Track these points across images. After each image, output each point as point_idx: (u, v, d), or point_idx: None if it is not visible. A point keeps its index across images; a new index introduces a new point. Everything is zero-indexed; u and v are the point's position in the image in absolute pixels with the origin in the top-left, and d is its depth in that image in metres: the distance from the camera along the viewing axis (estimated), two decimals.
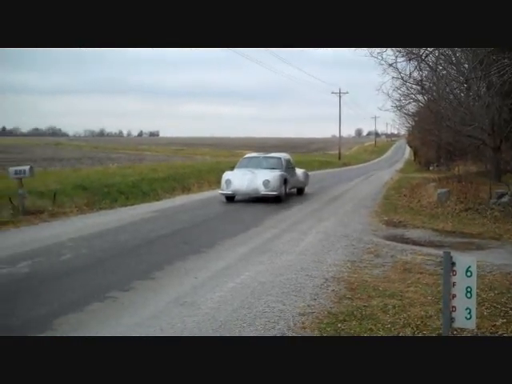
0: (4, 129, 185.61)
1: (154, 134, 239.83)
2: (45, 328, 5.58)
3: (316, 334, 5.44)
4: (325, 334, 5.41)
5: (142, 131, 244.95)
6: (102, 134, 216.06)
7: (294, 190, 20.07)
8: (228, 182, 17.23)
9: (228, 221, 13.51)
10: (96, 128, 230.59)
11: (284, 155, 19.80)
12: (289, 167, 18.84)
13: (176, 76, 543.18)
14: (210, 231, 11.84)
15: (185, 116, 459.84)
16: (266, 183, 16.88)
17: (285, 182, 17.67)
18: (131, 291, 6.97)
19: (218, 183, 19.52)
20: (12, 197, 13.55)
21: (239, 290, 6.98)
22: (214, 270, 8.07)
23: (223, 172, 28.15)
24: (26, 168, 13.88)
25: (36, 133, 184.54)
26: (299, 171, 20.59)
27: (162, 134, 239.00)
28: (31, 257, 8.88)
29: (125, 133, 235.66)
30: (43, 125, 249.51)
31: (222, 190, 17.45)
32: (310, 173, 23.08)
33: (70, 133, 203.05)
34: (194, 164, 33.18)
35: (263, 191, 16.94)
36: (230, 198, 17.44)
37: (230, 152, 62.92)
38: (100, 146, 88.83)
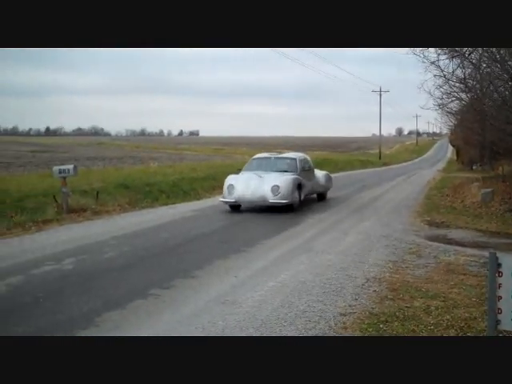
0: (48, 129, 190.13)
1: (193, 134, 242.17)
2: (88, 324, 5.69)
3: (358, 334, 5.40)
4: (366, 335, 5.36)
5: (182, 130, 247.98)
6: (143, 133, 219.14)
7: (314, 196, 17.58)
8: (230, 187, 14.67)
9: (265, 221, 13.50)
10: (137, 127, 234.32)
11: (300, 155, 17.19)
12: (305, 169, 16.23)
13: (215, 75, 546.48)
14: (250, 230, 11.85)
15: (224, 115, 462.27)
16: (275, 189, 14.24)
17: (299, 187, 15.05)
18: (172, 289, 7.04)
19: None
20: (56, 195, 13.84)
21: (279, 289, 6.97)
22: (254, 269, 8.09)
23: None
24: (70, 167, 14.15)
25: (79, 132, 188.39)
26: (320, 173, 18.07)
27: (201, 134, 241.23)
28: (75, 254, 9.06)
29: (165, 132, 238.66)
30: (86, 124, 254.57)
31: (224, 197, 14.84)
32: (350, 172, 22.76)
33: (112, 132, 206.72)
34: (234, 163, 33.30)
35: (272, 199, 14.24)
36: (235, 207, 14.93)
37: (269, 151, 62.90)
38: (141, 145, 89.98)
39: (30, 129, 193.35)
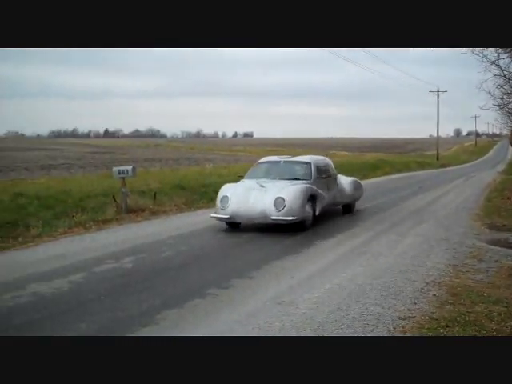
0: (107, 131, 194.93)
1: (248, 135, 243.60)
2: (148, 322, 5.80)
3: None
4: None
5: (236, 132, 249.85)
6: (198, 135, 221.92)
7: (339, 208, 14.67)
8: (224, 200, 11.73)
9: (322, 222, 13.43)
10: (193, 129, 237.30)
11: (316, 158, 14.17)
12: (323, 176, 13.16)
13: (269, 77, 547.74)
14: (308, 231, 11.80)
15: (277, 117, 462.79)
16: (279, 203, 11.21)
17: (312, 198, 12.03)
18: (230, 289, 7.10)
19: None
20: (116, 195, 14.17)
21: (336, 292, 6.92)
22: (311, 271, 8.06)
23: None
24: (129, 168, 14.46)
25: (136, 134, 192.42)
26: (345, 180, 14.91)
27: (255, 135, 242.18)
28: (134, 253, 9.25)
29: (220, 134, 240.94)
30: (143, 126, 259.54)
31: (216, 212, 11.87)
32: (407, 174, 22.08)
33: (168, 134, 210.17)
34: None
35: (275, 215, 11.16)
36: (233, 224, 11.87)
37: (325, 152, 62.56)
38: (196, 146, 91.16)
39: (90, 131, 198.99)
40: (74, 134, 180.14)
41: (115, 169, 14.70)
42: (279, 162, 13.58)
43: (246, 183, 12.53)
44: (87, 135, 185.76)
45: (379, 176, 30.39)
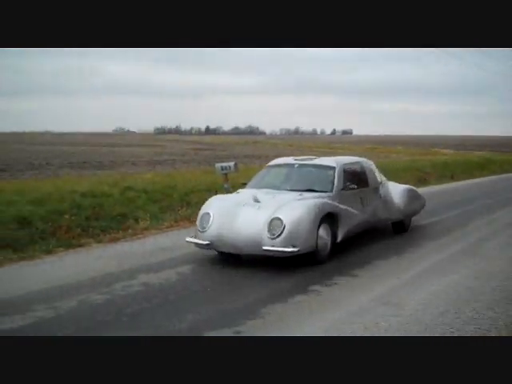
0: (208, 128, 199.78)
1: (346, 132, 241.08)
2: (254, 316, 5.88)
3: None
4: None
5: (334, 129, 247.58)
6: (296, 132, 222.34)
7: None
8: (205, 219, 8.34)
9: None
10: (291, 126, 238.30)
11: (347, 161, 10.28)
12: (354, 186, 9.43)
13: (368, 73, 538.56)
14: (416, 232, 11.48)
15: (377, 113, 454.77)
16: (274, 226, 7.82)
17: (331, 219, 8.45)
18: (334, 286, 7.05)
19: (416, 184, 18.61)
20: (218, 191, 14.45)
21: (444, 294, 6.69)
22: (417, 271, 7.85)
23: (419, 171, 24.84)
24: (231, 164, 14.65)
25: (236, 131, 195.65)
26: (396, 189, 11.13)
27: (355, 133, 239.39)
28: None
29: (318, 131, 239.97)
30: (243, 123, 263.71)
31: (195, 235, 8.49)
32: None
33: (267, 131, 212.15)
34: (389, 162, 32.62)
35: (268, 244, 7.78)
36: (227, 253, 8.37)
37: (426, 150, 60.76)
38: (294, 143, 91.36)
39: (192, 128, 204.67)
40: (177, 131, 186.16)
41: (218, 165, 14.94)
42: (293, 165, 9.83)
43: (240, 195, 9.02)
44: (189, 132, 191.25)
45: (485, 176, 29.06)
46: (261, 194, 8.68)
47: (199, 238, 8.32)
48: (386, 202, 10.53)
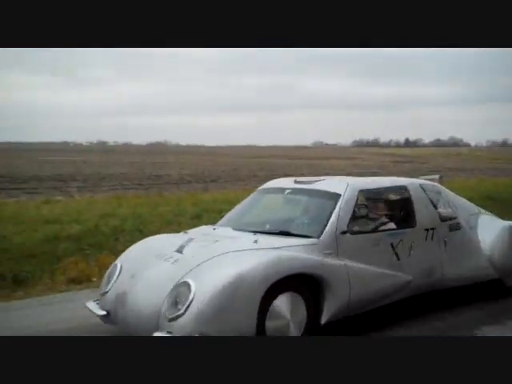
0: (407, 140, 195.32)
1: None
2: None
3: None
4: None
5: None
6: (504, 143, 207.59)
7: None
8: (111, 274, 5.47)
9: None
10: (498, 138, 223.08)
11: (370, 185, 6.33)
12: (380, 225, 5.88)
13: None
14: None
15: None
16: (180, 295, 4.59)
17: (307, 287, 5.00)
18: None
19: None
20: None
21: None
22: None
23: None
24: (436, 177, 14.15)
25: (438, 143, 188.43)
26: (484, 227, 6.95)
27: None
28: None
29: None
30: (444, 135, 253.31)
31: (96, 299, 5.53)
32: None
33: (472, 143, 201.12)
34: None
35: (165, 325, 4.50)
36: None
37: None
38: (502, 156, 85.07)
39: (391, 140, 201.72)
40: (375, 144, 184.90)
41: (422, 178, 14.55)
42: (283, 190, 6.40)
43: (177, 237, 5.87)
44: (388, 144, 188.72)
45: None
46: (199, 236, 5.70)
47: (97, 306, 5.41)
48: (463, 249, 6.56)
